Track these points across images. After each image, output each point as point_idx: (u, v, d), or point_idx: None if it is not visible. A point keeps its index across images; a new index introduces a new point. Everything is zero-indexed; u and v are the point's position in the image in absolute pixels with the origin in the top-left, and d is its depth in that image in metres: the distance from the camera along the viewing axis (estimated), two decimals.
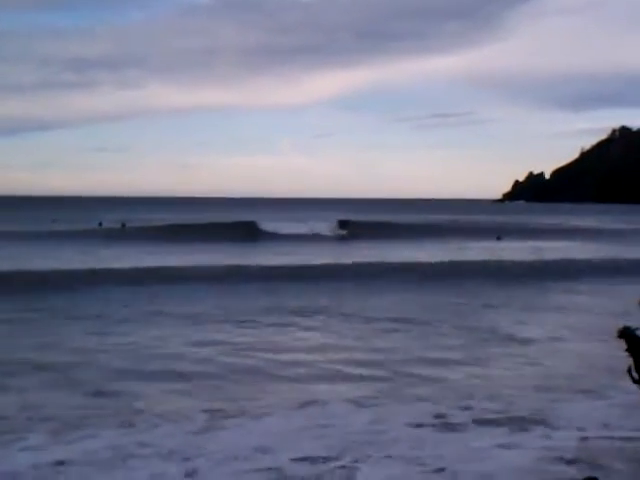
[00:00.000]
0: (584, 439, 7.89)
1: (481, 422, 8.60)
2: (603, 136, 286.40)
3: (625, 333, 7.20)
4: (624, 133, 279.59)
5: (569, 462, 7.14)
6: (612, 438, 7.87)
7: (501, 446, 7.69)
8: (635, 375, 7.04)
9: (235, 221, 51.94)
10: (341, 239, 47.32)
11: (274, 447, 7.65)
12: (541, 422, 8.61)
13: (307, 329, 15.46)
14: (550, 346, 13.81)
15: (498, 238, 47.34)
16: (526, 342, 14.10)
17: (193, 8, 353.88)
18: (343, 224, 52.05)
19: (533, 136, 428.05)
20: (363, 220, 55.97)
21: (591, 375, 11.21)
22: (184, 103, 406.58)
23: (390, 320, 16.43)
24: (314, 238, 45.68)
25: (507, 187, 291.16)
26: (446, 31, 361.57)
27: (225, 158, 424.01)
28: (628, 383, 7.42)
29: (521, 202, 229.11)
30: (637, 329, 7.12)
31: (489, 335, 14.78)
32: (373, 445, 7.70)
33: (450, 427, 8.42)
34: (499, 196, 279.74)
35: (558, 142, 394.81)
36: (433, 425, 8.48)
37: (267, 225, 50.11)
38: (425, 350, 13.18)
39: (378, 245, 39.09)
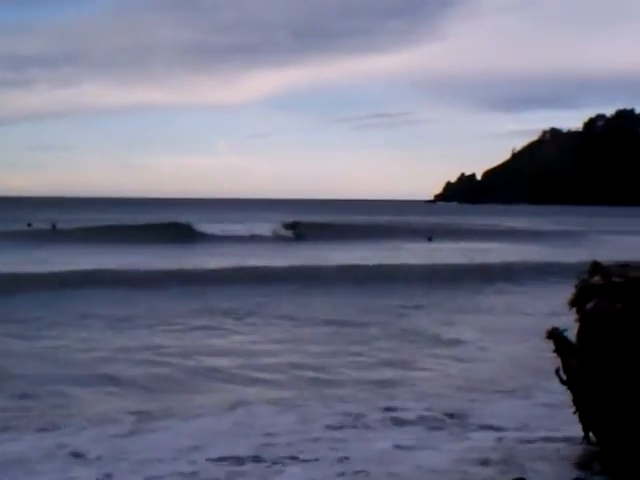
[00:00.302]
0: (501, 439, 7.91)
1: (401, 422, 8.64)
2: (534, 137, 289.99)
3: (554, 334, 7.26)
4: (554, 134, 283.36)
5: (486, 463, 7.15)
6: (531, 438, 7.88)
7: (419, 447, 7.68)
8: (563, 376, 7.09)
9: (169, 222, 50.77)
10: (285, 240, 46.82)
11: (197, 448, 7.61)
12: (460, 422, 8.64)
13: (238, 332, 15.42)
14: (478, 347, 13.90)
15: (429, 239, 47.72)
16: (454, 343, 14.21)
17: (129, 5, 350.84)
18: (290, 226, 51.30)
19: (466, 137, 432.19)
20: (307, 221, 55.66)
21: (516, 376, 11.33)
22: (121, 102, 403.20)
23: (322, 323, 16.42)
24: (253, 240, 45.26)
25: (440, 188, 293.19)
26: (385, 30, 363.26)
27: (163, 158, 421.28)
28: (552, 383, 7.49)
29: (453, 203, 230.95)
30: (565, 330, 7.18)
31: (418, 337, 14.89)
32: (293, 446, 7.70)
33: (370, 428, 8.44)
34: (431, 197, 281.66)
35: (490, 143, 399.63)
36: (354, 426, 8.47)
37: (203, 226, 49.50)
38: (354, 353, 13.16)
39: (319, 247, 39.02)
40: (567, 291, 7.38)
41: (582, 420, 7.07)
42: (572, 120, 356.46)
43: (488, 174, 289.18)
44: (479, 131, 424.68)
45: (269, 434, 8.10)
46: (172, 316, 17.05)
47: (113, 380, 10.91)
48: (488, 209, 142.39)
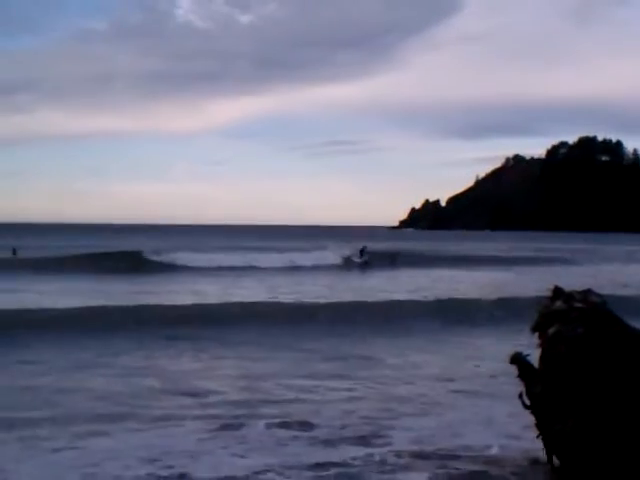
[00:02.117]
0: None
1: None
2: (498, 164, 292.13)
3: (517, 359, 7.33)
4: (518, 161, 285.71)
5: None
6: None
7: None
8: (526, 400, 7.17)
9: (119, 250, 47.96)
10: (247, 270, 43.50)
11: None
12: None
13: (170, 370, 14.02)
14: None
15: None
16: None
17: (87, 33, 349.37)
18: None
19: (431, 164, 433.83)
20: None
21: None
22: (78, 129, 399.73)
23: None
24: (214, 270, 41.79)
25: (405, 214, 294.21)
26: (344, 60, 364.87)
27: (120, 185, 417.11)
28: None
29: (409, 229, 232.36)
30: (528, 355, 7.27)
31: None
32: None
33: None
34: (396, 223, 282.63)
35: (455, 170, 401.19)
36: None
37: (155, 255, 46.18)
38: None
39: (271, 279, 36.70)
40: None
41: (545, 444, 7.15)
42: (536, 147, 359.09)
43: (452, 200, 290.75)
44: (443, 158, 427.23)
45: None
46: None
47: None
48: (448, 235, 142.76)
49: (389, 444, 8.83)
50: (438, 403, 11.23)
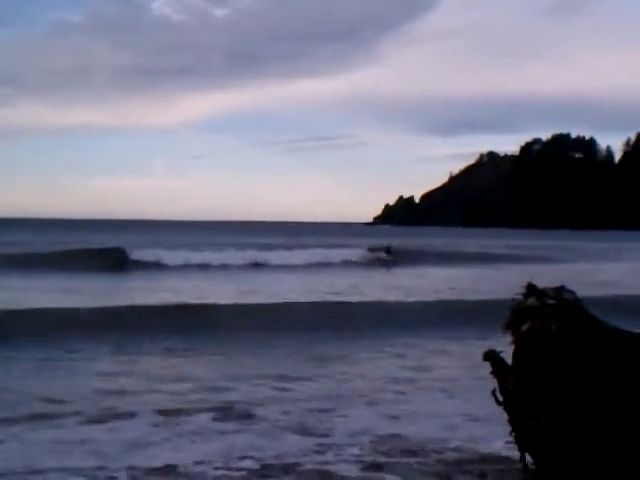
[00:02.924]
0: None
1: None
2: (472, 161, 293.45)
3: (490, 356, 7.32)
4: (491, 158, 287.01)
5: None
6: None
7: None
8: (499, 397, 7.16)
9: (100, 248, 45.90)
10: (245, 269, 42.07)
11: None
12: None
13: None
14: None
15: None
16: None
17: (64, 26, 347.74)
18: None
19: (405, 160, 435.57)
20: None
21: None
22: (56, 123, 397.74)
23: None
24: (199, 269, 40.63)
25: (379, 210, 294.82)
26: (322, 54, 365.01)
27: (98, 179, 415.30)
28: None
29: (385, 226, 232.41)
30: (501, 352, 7.27)
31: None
32: None
33: None
34: (370, 219, 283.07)
35: (429, 166, 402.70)
36: None
37: (138, 253, 44.15)
38: None
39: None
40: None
41: (518, 441, 7.15)
42: (510, 144, 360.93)
43: (426, 197, 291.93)
44: (418, 154, 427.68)
45: None
46: None
47: None
48: (421, 231, 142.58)
49: (328, 435, 9.14)
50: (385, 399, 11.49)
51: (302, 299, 23.43)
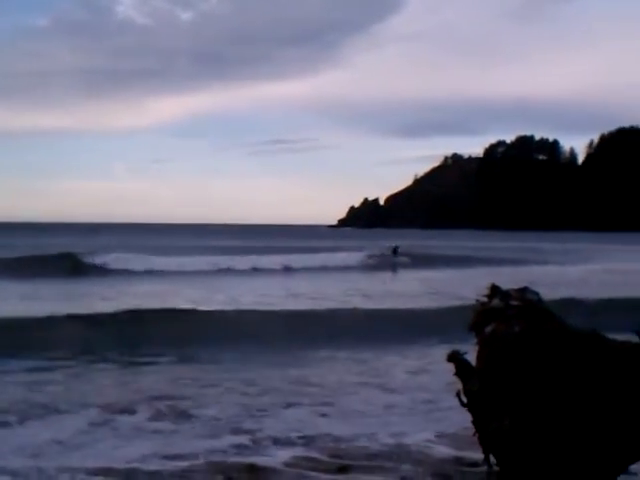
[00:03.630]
0: None
1: None
2: (437, 163, 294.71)
3: (454, 357, 7.32)
4: (456, 160, 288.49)
5: None
6: None
7: None
8: (463, 398, 7.16)
9: (52, 254, 44.25)
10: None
11: None
12: None
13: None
14: None
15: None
16: None
17: (29, 30, 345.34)
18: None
19: (371, 162, 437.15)
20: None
21: None
22: (21, 127, 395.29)
23: None
24: (156, 274, 39.38)
25: (344, 213, 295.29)
26: (287, 58, 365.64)
27: (62, 183, 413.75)
28: None
29: (348, 228, 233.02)
30: (465, 354, 7.26)
31: None
32: None
33: None
34: (335, 222, 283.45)
35: (395, 169, 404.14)
36: None
37: (93, 258, 43.03)
38: None
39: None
40: None
41: (482, 442, 7.15)
42: (475, 146, 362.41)
43: (391, 199, 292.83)
44: (383, 157, 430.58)
45: None
46: None
47: None
48: (384, 233, 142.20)
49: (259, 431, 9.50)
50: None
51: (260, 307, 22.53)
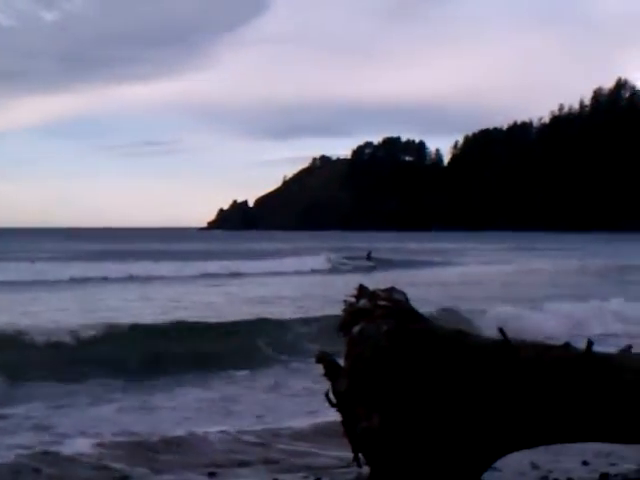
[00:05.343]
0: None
1: None
2: (307, 165, 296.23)
3: (323, 358, 7.32)
4: (324, 162, 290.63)
5: None
6: None
7: None
8: (332, 398, 7.17)
9: None
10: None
11: None
12: None
13: None
14: None
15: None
16: None
17: None
18: None
19: (240, 164, 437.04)
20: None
21: None
22: None
23: None
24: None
25: (213, 215, 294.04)
26: (155, 59, 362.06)
27: None
28: None
29: (218, 231, 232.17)
30: (334, 354, 7.28)
31: None
32: None
33: None
34: (204, 224, 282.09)
35: (264, 170, 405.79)
36: None
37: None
38: None
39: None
40: None
41: (351, 442, 7.17)
42: (344, 148, 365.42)
43: (260, 201, 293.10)
44: (253, 158, 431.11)
45: None
46: None
47: None
48: (252, 235, 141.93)
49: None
50: None
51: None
